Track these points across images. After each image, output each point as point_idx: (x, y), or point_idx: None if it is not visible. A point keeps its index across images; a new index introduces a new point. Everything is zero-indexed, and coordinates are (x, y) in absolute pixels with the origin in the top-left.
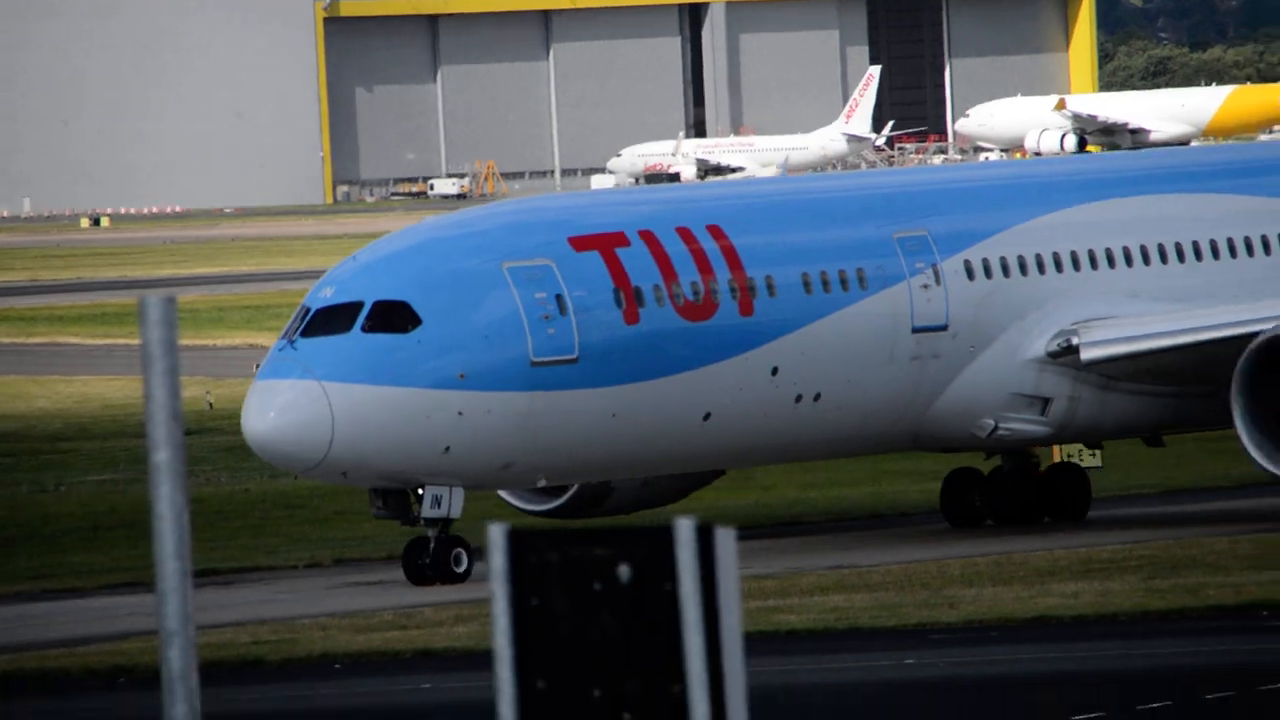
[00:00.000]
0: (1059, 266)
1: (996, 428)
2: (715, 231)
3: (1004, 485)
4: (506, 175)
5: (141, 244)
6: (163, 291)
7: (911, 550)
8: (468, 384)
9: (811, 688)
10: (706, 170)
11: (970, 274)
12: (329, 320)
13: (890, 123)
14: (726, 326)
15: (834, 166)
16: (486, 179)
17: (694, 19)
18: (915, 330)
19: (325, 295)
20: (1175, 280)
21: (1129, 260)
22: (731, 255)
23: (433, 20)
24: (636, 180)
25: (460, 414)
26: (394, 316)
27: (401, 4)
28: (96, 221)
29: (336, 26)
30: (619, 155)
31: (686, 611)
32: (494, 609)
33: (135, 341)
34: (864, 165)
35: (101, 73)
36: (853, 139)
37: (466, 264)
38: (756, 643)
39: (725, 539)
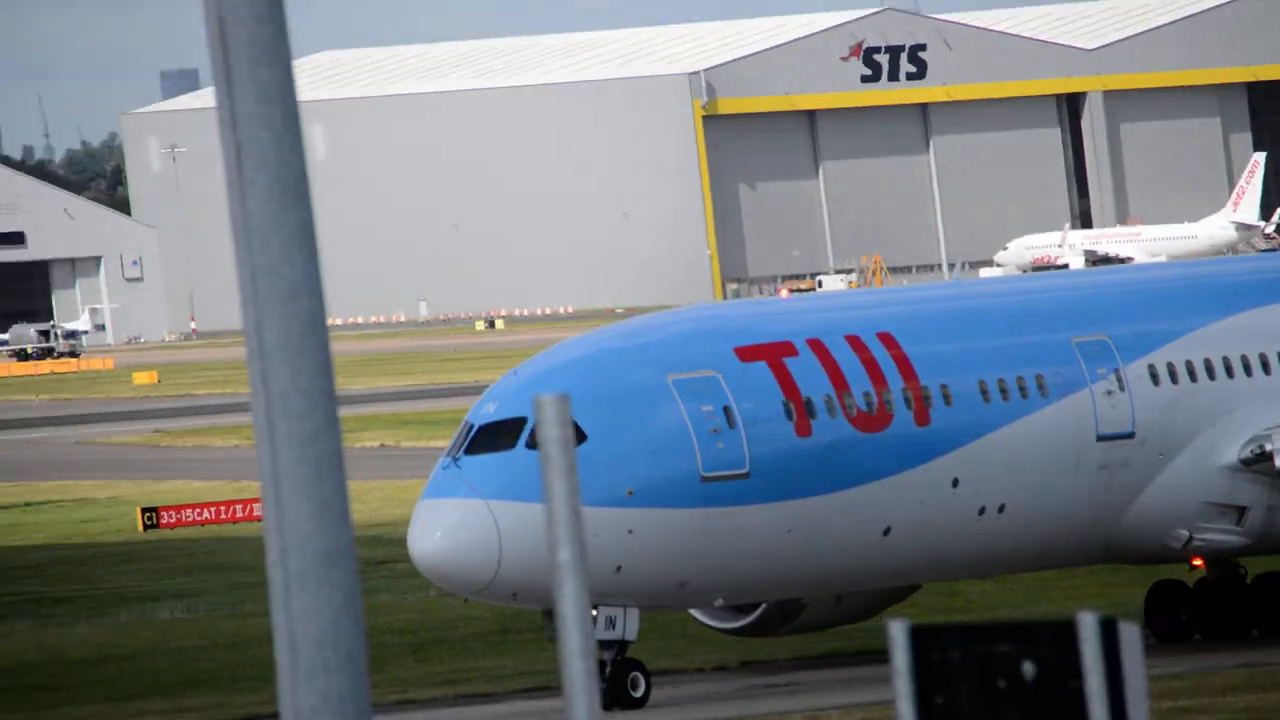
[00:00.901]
0: (1248, 370)
1: (1191, 538)
2: (886, 339)
3: (1211, 597)
4: (894, 269)
5: (536, 345)
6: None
7: None
8: (636, 500)
9: None
10: (1095, 260)
11: (1155, 379)
12: (492, 437)
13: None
14: (903, 437)
15: (1226, 254)
16: (875, 273)
17: (1072, 109)
18: (1100, 438)
19: (488, 411)
20: None
21: None
22: (904, 363)
23: (811, 116)
24: (1024, 272)
25: (630, 532)
26: None
27: (779, 101)
28: (491, 324)
29: (716, 124)
30: (1005, 248)
31: (1094, 709)
32: (899, 707)
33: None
34: (1255, 253)
35: (489, 176)
36: (1241, 227)
37: (631, 377)
38: None
39: (1130, 634)
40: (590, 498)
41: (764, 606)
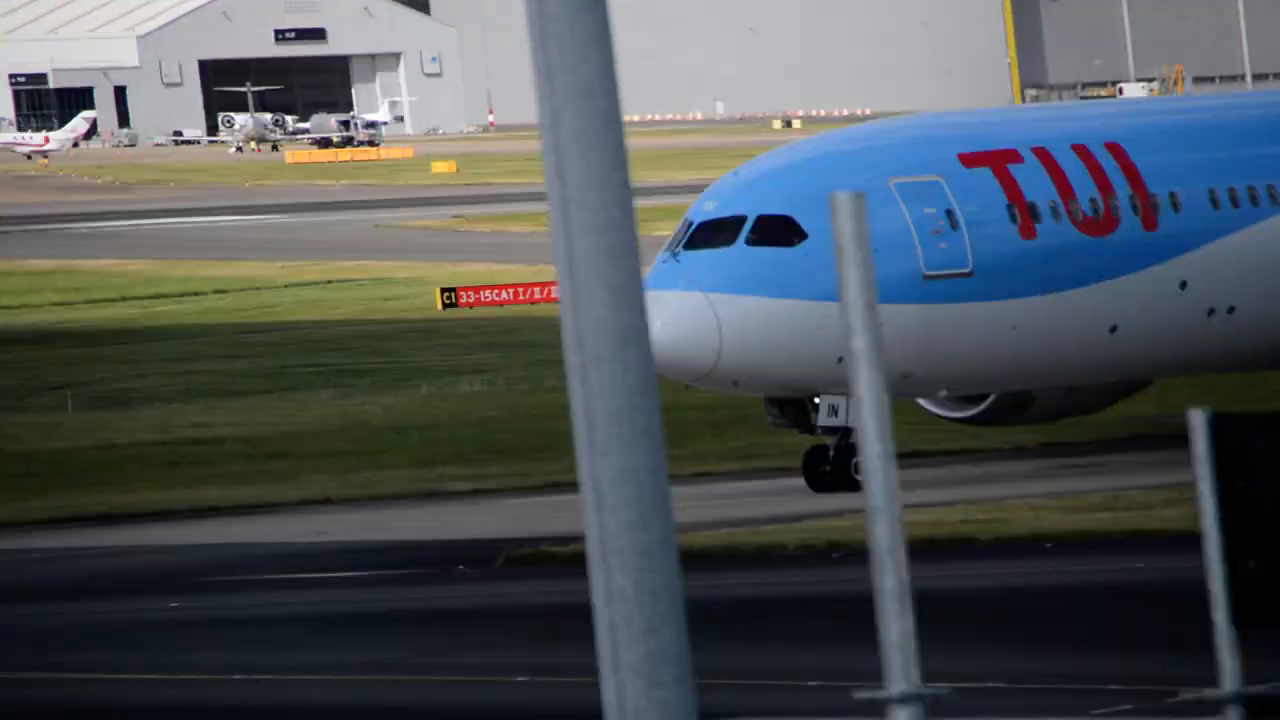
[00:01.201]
0: None
1: None
2: (1114, 149)
3: None
4: (1196, 79)
5: None
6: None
7: None
8: None
9: None
10: None
11: None
12: (711, 234)
13: None
14: (1128, 241)
15: None
16: (1176, 83)
17: None
18: None
19: (707, 209)
20: None
21: None
22: (1131, 172)
23: None
24: None
25: None
26: (778, 231)
27: None
28: (788, 124)
29: None
30: None
31: None
32: (1199, 490)
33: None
34: None
35: None
36: None
37: (853, 180)
38: None
39: None
40: (812, 292)
41: (993, 397)
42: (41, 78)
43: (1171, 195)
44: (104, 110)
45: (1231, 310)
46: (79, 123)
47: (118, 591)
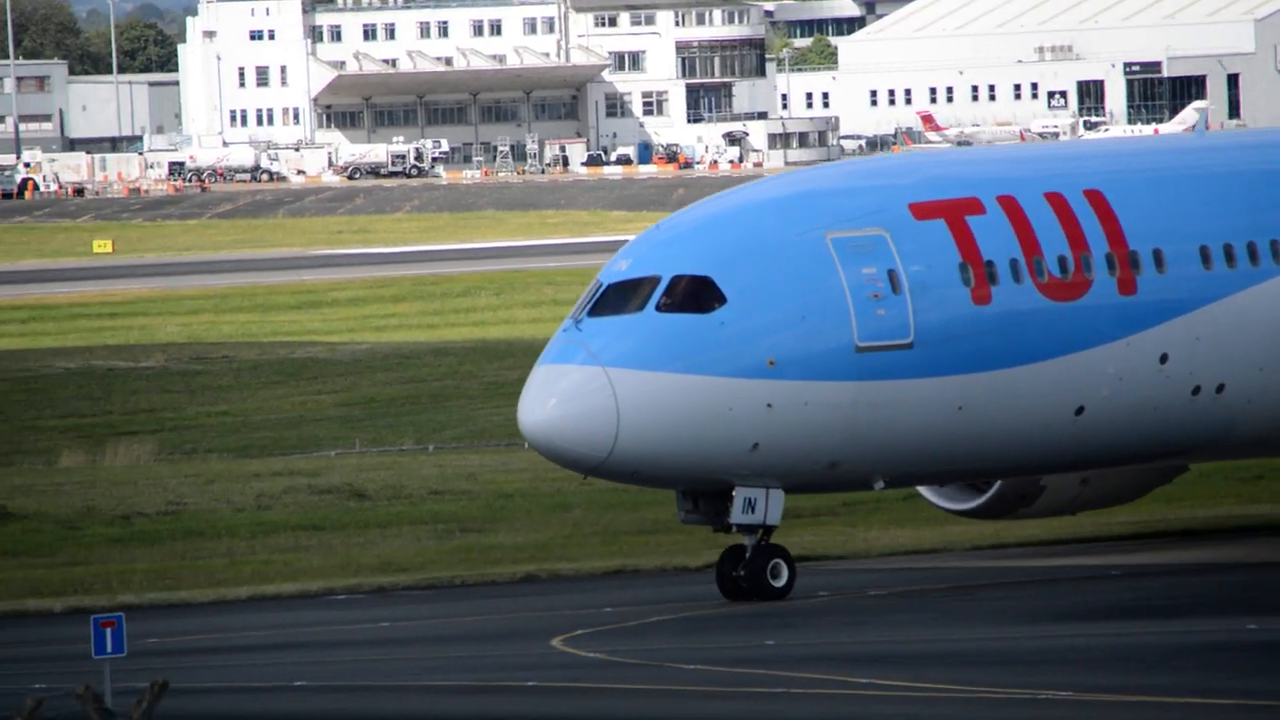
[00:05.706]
0: None
1: None
2: (1094, 198)
3: None
4: None
5: None
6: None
7: None
8: (778, 372)
9: None
10: None
11: None
12: (621, 298)
13: None
14: (1101, 307)
15: None
16: None
17: None
18: None
19: (620, 269)
20: None
21: None
22: (1111, 224)
23: None
24: None
25: (769, 406)
26: (694, 295)
27: None
28: None
29: None
30: None
31: None
32: None
33: None
34: None
35: None
36: None
37: (784, 234)
38: None
39: None
40: (724, 368)
41: (998, 487)
42: (1155, 66)
43: (1156, 253)
44: (1214, 99)
45: (1221, 389)
46: (1188, 114)
47: (1187, 613)
